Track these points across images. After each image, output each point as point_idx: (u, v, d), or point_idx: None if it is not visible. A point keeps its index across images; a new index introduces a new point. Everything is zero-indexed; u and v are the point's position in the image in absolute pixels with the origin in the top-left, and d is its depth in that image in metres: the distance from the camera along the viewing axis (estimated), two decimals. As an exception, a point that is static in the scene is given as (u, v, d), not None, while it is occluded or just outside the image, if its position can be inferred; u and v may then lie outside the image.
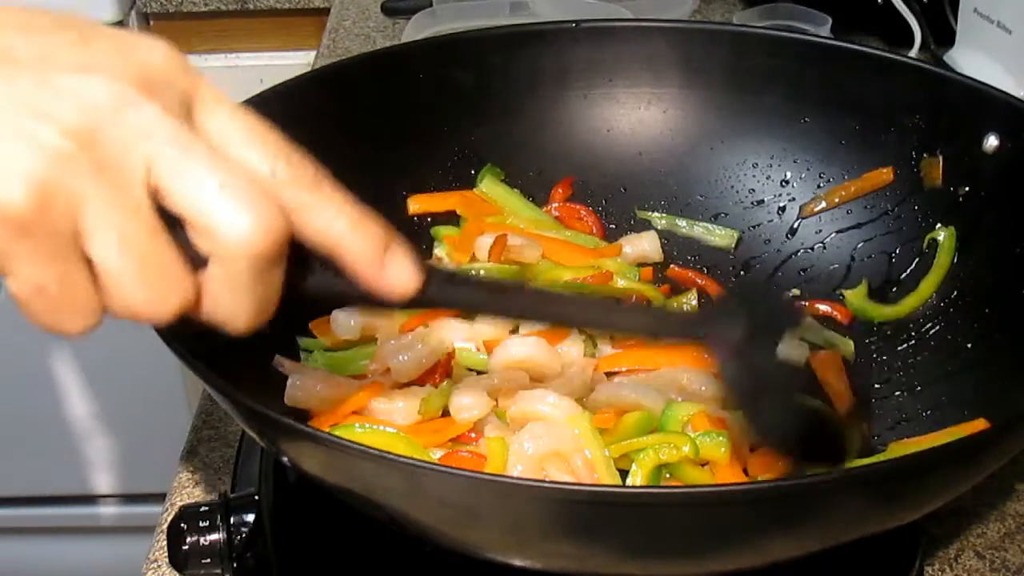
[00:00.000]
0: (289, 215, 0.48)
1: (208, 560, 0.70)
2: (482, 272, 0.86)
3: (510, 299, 0.59)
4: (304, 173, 0.49)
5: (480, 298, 0.58)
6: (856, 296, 0.87)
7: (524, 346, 0.78)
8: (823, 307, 0.88)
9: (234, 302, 0.48)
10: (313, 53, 1.50)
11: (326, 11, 1.58)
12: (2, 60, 0.44)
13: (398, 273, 0.52)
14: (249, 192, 0.46)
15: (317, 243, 0.50)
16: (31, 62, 0.45)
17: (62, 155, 0.43)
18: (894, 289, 0.87)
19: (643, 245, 0.92)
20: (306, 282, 0.52)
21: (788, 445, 0.67)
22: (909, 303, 0.85)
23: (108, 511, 1.90)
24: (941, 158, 0.86)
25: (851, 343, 0.85)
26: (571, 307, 0.62)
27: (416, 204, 0.92)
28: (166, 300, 0.46)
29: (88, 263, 0.45)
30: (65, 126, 0.43)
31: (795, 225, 0.92)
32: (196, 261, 0.47)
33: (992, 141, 0.82)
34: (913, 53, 1.27)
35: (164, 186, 0.45)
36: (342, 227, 0.50)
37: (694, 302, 0.88)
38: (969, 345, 0.80)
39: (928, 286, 0.85)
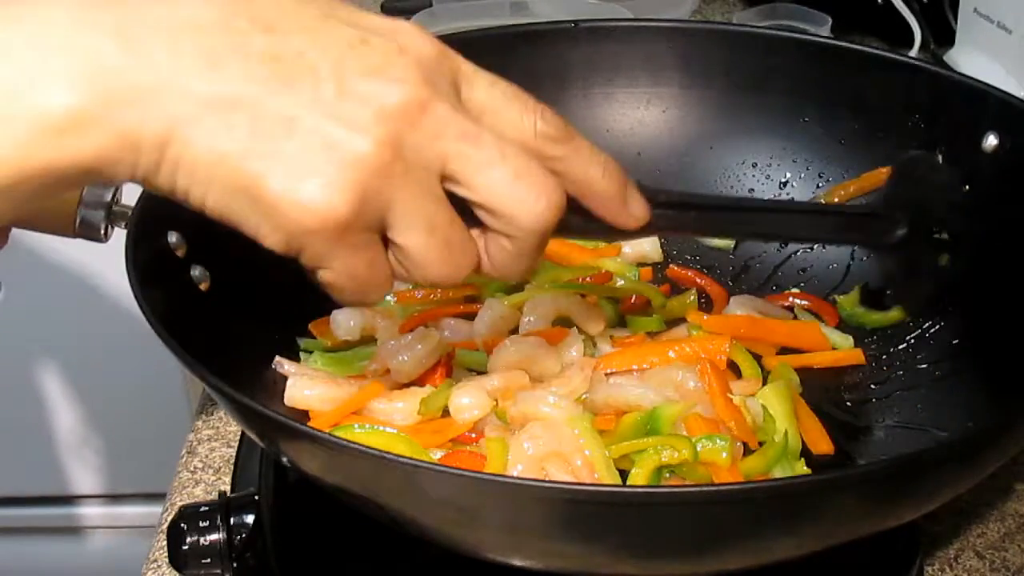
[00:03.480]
0: (553, 167, 0.52)
1: (208, 560, 0.70)
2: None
3: (723, 217, 0.67)
4: (558, 124, 0.53)
5: (699, 219, 0.65)
6: (848, 301, 0.87)
7: (524, 346, 0.78)
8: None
9: (519, 267, 0.53)
10: (313, 53, 1.50)
11: (326, 11, 1.57)
12: (301, 68, 0.47)
13: (637, 207, 0.57)
14: (538, 176, 0.51)
15: (573, 187, 0.54)
16: (327, 69, 0.48)
17: (377, 164, 0.47)
18: (889, 291, 0.87)
19: (643, 245, 0.92)
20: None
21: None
22: (899, 310, 0.85)
23: (108, 511, 1.90)
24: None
25: (850, 339, 0.85)
26: (784, 219, 0.70)
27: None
28: (461, 270, 0.52)
29: (386, 243, 0.50)
30: (376, 136, 0.47)
31: (795, 225, 0.92)
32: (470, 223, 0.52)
33: (992, 141, 0.82)
34: (913, 53, 1.27)
35: (462, 179, 0.50)
36: (596, 172, 0.54)
37: (694, 301, 0.88)
38: (968, 345, 0.80)
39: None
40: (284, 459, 0.63)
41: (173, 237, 0.73)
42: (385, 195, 0.48)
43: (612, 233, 0.58)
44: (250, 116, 0.47)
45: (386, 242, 0.51)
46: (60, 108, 0.45)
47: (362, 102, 0.48)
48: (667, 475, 0.70)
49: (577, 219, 0.55)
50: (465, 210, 0.52)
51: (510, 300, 0.83)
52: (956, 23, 1.26)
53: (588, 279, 0.87)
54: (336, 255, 0.49)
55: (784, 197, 0.92)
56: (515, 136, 0.52)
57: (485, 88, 0.52)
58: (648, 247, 0.92)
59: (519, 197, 0.51)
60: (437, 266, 0.51)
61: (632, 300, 0.86)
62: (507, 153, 0.50)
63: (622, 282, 0.88)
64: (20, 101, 0.44)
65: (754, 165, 0.93)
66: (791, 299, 0.88)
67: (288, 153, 0.47)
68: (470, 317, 0.83)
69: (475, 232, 0.53)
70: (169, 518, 0.74)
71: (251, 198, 0.47)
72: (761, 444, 0.73)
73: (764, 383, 0.79)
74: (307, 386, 0.77)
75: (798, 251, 0.91)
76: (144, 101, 0.46)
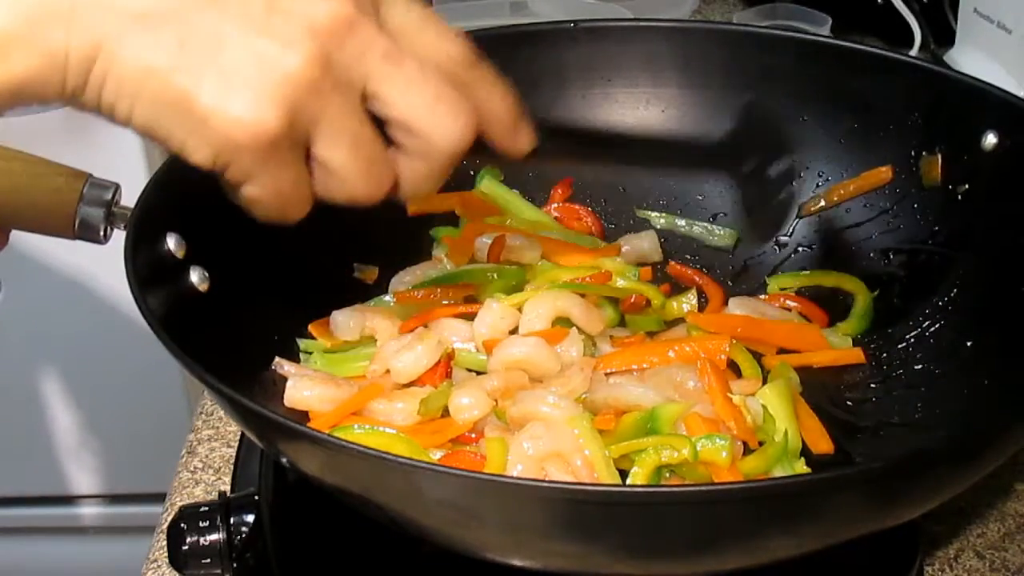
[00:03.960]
0: (461, 91, 0.54)
1: (208, 560, 0.71)
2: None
3: (594, 147, 0.75)
4: (468, 50, 0.55)
5: (573, 148, 0.72)
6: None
7: (523, 346, 0.78)
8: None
9: (428, 187, 0.55)
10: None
11: (326, 11, 1.57)
12: None
13: (526, 135, 0.60)
14: (455, 98, 0.53)
15: (475, 112, 0.55)
16: None
17: (306, 80, 0.48)
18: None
19: (642, 244, 0.92)
20: None
21: None
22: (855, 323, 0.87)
23: (108, 511, 1.90)
24: (940, 156, 0.85)
25: (849, 339, 0.85)
26: None
27: (415, 204, 0.92)
28: (380, 188, 0.53)
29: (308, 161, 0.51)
30: (306, 52, 0.48)
31: (794, 224, 0.92)
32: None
33: (991, 139, 0.82)
34: (913, 53, 1.27)
35: (384, 97, 0.51)
36: (497, 99, 0.57)
37: (693, 301, 0.88)
38: (969, 343, 0.80)
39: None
40: (284, 460, 0.63)
41: (172, 238, 0.73)
42: (313, 110, 0.49)
43: (497, 158, 0.61)
44: (178, 31, 0.47)
45: (307, 159, 0.52)
46: None
47: (291, 18, 0.49)
48: (667, 475, 0.70)
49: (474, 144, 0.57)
50: (380, 131, 0.53)
51: (510, 300, 0.83)
52: (956, 23, 1.26)
53: (588, 279, 0.87)
54: (263, 170, 0.50)
55: (784, 197, 0.93)
56: (430, 59, 0.53)
57: (403, 11, 0.54)
58: (647, 246, 0.92)
59: (438, 117, 0.52)
60: (358, 182, 0.52)
61: (632, 300, 0.86)
62: (427, 75, 0.52)
63: (621, 282, 0.88)
64: None
65: (754, 165, 0.93)
66: (783, 300, 0.88)
67: (218, 68, 0.47)
68: (470, 317, 0.83)
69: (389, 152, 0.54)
70: (169, 518, 0.74)
71: (180, 112, 0.48)
72: (761, 444, 0.73)
73: (764, 382, 0.79)
74: (307, 387, 0.77)
75: (799, 250, 0.91)
76: (69, 19, 0.46)
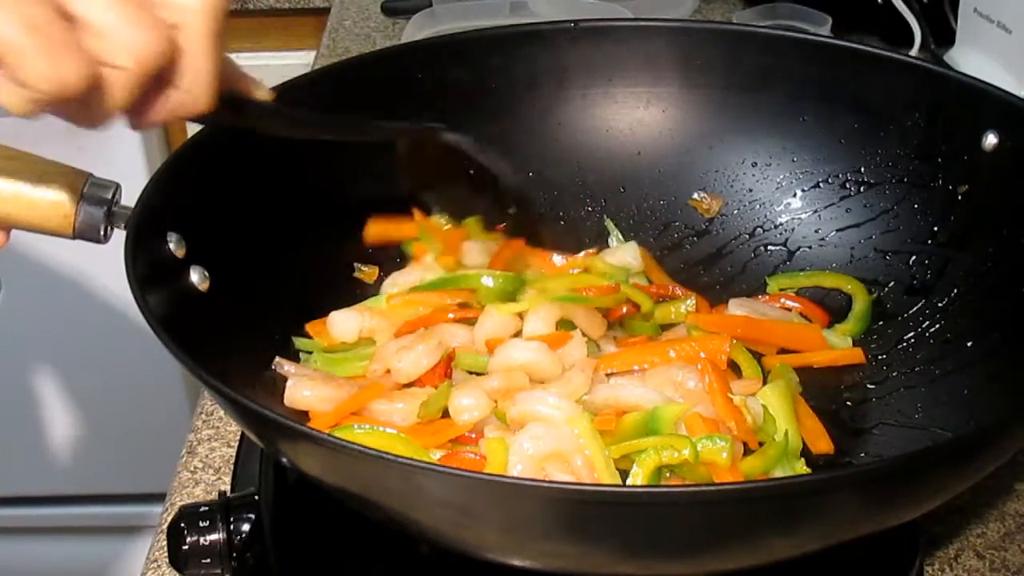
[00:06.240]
0: None
1: (208, 560, 0.71)
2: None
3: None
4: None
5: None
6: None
7: (526, 351, 0.78)
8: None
9: (201, 60, 0.57)
10: (313, 53, 1.50)
11: (326, 11, 1.58)
12: None
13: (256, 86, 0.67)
14: (144, 14, 0.54)
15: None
16: None
17: None
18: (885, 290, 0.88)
19: (625, 258, 0.90)
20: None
21: None
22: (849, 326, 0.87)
23: (107, 511, 1.90)
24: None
25: (849, 340, 0.85)
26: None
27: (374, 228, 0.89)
28: (150, 47, 0.54)
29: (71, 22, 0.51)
30: None
31: (795, 225, 0.92)
32: None
33: (991, 139, 0.82)
34: (913, 53, 1.27)
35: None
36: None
37: (692, 305, 0.87)
38: (968, 344, 0.80)
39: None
40: (284, 460, 0.63)
41: (172, 238, 0.73)
42: None
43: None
44: None
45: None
46: None
47: None
48: (667, 475, 0.70)
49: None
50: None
51: (509, 308, 0.82)
52: (956, 23, 1.26)
53: (590, 291, 0.85)
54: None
55: (783, 197, 0.93)
56: None
57: None
58: (631, 259, 0.90)
59: (120, 20, 0.53)
60: (125, 34, 0.52)
61: (622, 311, 0.85)
62: None
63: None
64: None
65: (754, 164, 0.93)
66: (783, 300, 0.88)
67: None
68: (469, 322, 0.83)
69: None
70: (169, 518, 0.74)
71: None
72: (761, 444, 0.73)
73: (764, 383, 0.79)
74: (307, 387, 0.77)
75: (798, 250, 0.92)
76: None
